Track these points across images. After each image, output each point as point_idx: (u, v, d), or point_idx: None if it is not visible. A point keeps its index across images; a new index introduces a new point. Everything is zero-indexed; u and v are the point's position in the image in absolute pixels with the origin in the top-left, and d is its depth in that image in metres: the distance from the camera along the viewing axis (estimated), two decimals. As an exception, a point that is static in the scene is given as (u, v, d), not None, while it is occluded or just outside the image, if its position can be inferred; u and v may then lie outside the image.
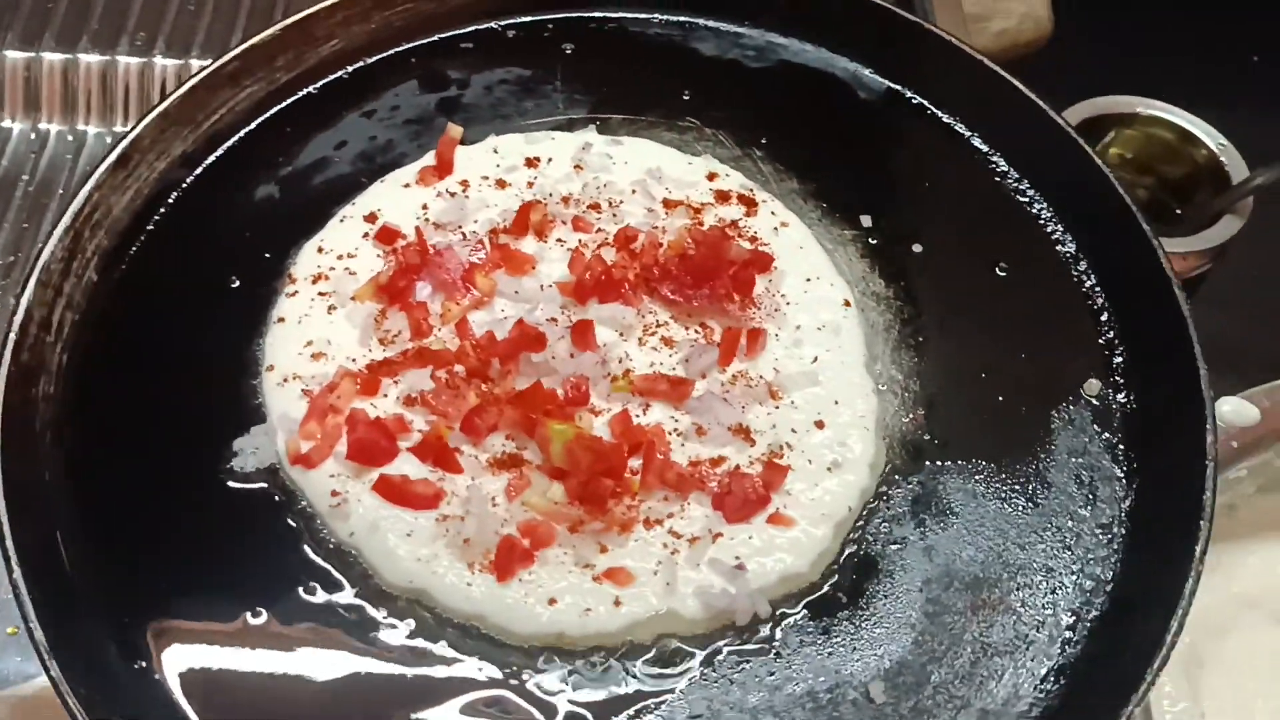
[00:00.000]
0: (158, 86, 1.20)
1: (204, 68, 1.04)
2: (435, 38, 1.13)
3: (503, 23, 1.15)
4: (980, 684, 0.82)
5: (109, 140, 1.18)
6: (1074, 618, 0.85)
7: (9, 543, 0.79)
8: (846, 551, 0.88)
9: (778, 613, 0.85)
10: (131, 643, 0.80)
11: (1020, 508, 0.90)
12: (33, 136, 1.19)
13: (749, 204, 1.04)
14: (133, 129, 0.99)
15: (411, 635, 0.82)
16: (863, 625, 0.85)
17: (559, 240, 1.00)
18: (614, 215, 1.02)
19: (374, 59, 1.12)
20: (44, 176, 1.16)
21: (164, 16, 1.23)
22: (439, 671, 0.82)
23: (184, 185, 1.02)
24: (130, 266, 0.97)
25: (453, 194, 1.02)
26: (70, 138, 1.19)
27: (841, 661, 0.83)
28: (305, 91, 1.09)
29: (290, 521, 0.86)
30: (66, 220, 0.94)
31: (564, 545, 0.85)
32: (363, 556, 0.85)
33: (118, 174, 0.98)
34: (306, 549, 0.85)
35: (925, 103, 1.12)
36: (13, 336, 0.88)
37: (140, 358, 0.93)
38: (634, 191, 1.03)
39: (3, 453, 0.82)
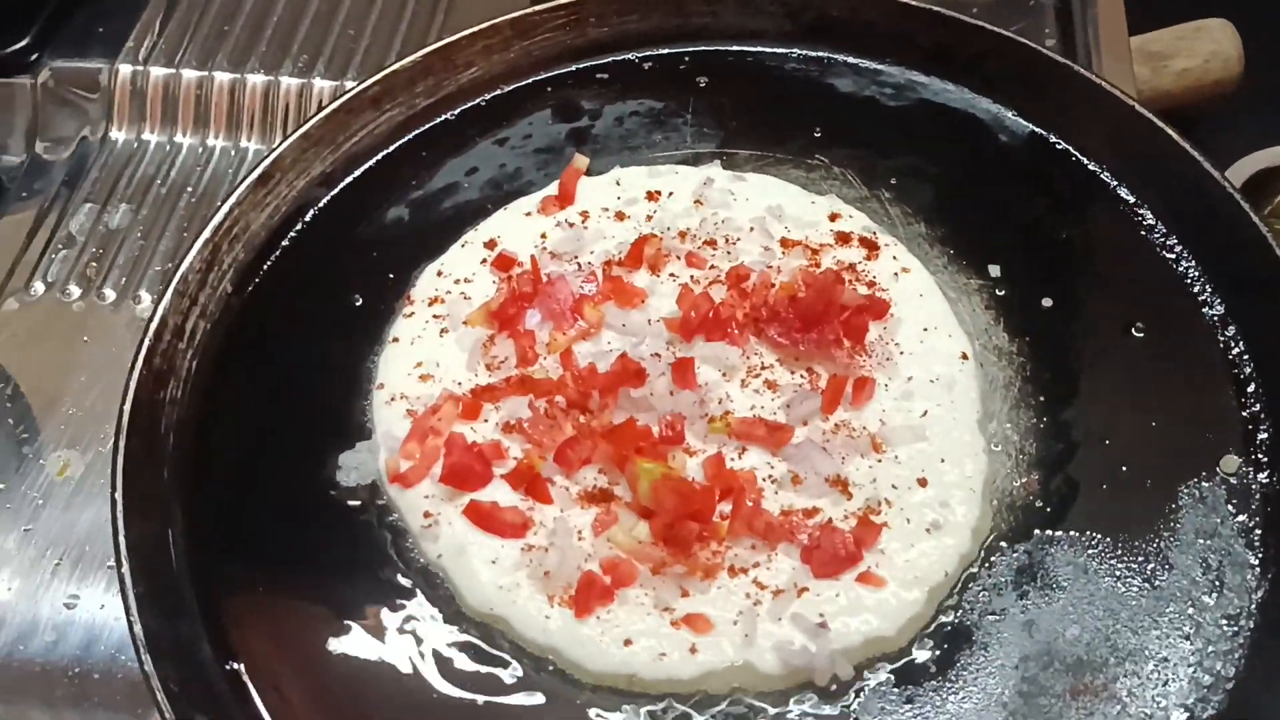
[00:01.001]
0: (315, 105, 1.25)
1: (346, 91, 1.09)
2: (572, 68, 1.15)
3: (640, 54, 1.16)
4: (1071, 776, 0.77)
5: (265, 157, 1.25)
6: (1187, 715, 0.79)
7: (120, 538, 0.83)
8: (940, 619, 0.84)
9: (860, 676, 0.81)
10: (226, 644, 0.83)
11: (1136, 588, 0.84)
12: (200, 151, 1.26)
13: (870, 247, 1.00)
14: (275, 149, 1.04)
15: (487, 662, 0.83)
16: (950, 698, 0.80)
17: (671, 275, 1.00)
18: (729, 252, 1.00)
19: (511, 87, 1.14)
20: (207, 189, 1.23)
21: (326, 40, 1.29)
22: (512, 700, 0.82)
23: (320, 204, 1.06)
24: (263, 280, 1.02)
25: (571, 224, 1.03)
26: (233, 153, 1.26)
27: (924, 734, 0.79)
28: (443, 118, 1.12)
29: (385, 536, 0.88)
30: (206, 234, 0.99)
31: (645, 586, 0.84)
32: (448, 578, 0.86)
33: (258, 191, 1.03)
34: (396, 566, 0.87)
35: (1070, 149, 1.06)
36: (147, 341, 0.93)
37: (263, 368, 0.98)
38: (752, 229, 1.02)
39: (126, 452, 0.87)
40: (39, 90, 1.30)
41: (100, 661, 0.95)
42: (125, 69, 1.29)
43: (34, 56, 1.31)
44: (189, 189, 1.24)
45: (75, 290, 1.16)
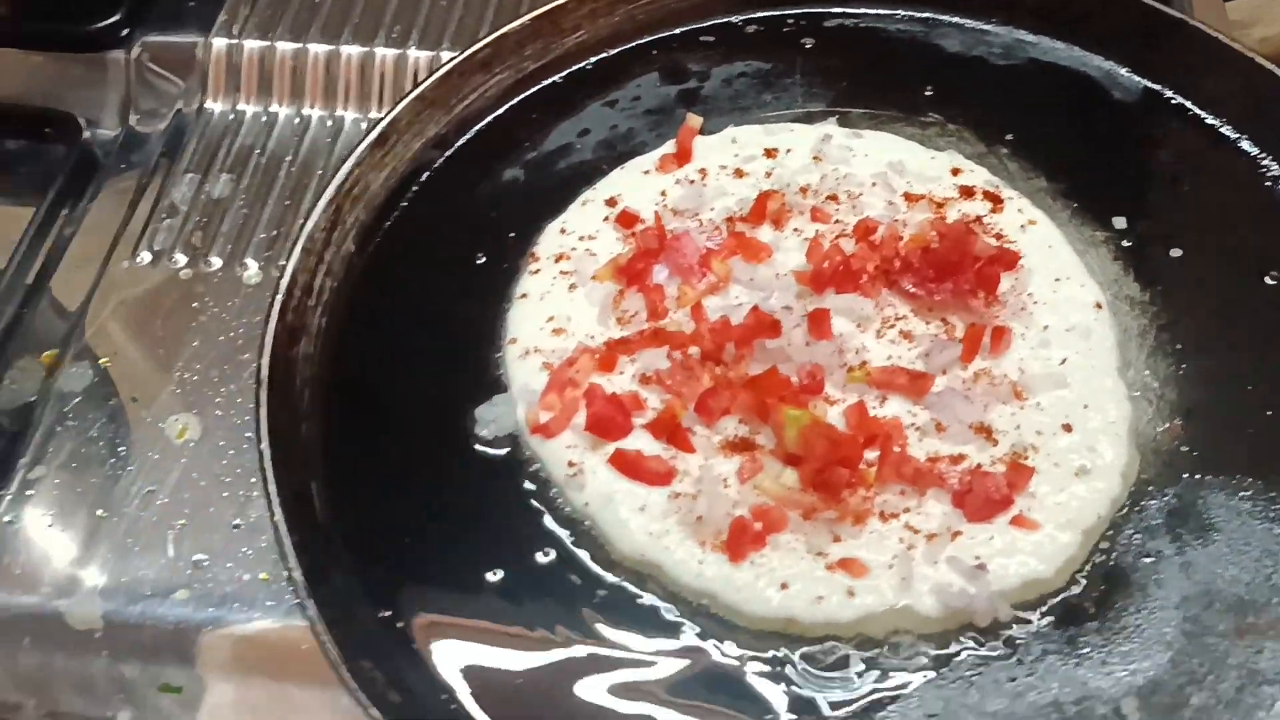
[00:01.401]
0: (410, 76, 1.25)
1: (458, 54, 1.09)
2: (676, 31, 1.15)
3: (743, 17, 1.16)
4: (1247, 713, 0.76)
5: (364, 125, 1.24)
6: (1353, 650, 0.79)
7: (271, 488, 0.83)
8: (1094, 560, 0.83)
9: (1018, 618, 0.81)
10: (377, 592, 0.83)
11: (1292, 530, 0.83)
12: (296, 121, 1.26)
13: (995, 200, 1.00)
14: (391, 111, 1.04)
15: (641, 606, 0.83)
16: (1112, 639, 0.80)
17: (795, 230, 1.00)
18: (853, 207, 1.00)
19: (616, 50, 1.14)
20: (305, 158, 1.23)
21: (418, 11, 1.29)
22: (666, 644, 0.81)
23: (435, 165, 1.06)
24: (384, 241, 1.02)
25: (691, 181, 1.03)
26: (329, 123, 1.26)
27: (1090, 674, 0.79)
28: (550, 80, 1.12)
29: (528, 487, 0.88)
30: (329, 193, 0.99)
31: (796, 531, 0.84)
32: (596, 526, 0.86)
33: (376, 153, 1.03)
34: (543, 515, 0.87)
35: (1186, 103, 1.06)
36: (279, 298, 0.93)
37: (390, 324, 0.98)
38: (874, 184, 1.01)
39: (268, 405, 0.87)
40: (132, 65, 1.30)
41: (232, 619, 0.94)
42: (219, 42, 1.29)
43: (126, 31, 1.31)
44: (288, 158, 1.24)
45: (181, 258, 1.16)
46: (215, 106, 1.28)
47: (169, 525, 0.99)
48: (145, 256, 1.16)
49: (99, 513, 1.00)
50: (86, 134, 1.27)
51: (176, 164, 1.23)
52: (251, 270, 1.15)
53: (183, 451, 1.03)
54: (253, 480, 1.01)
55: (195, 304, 1.13)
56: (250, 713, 0.90)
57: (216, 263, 1.16)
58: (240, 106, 1.27)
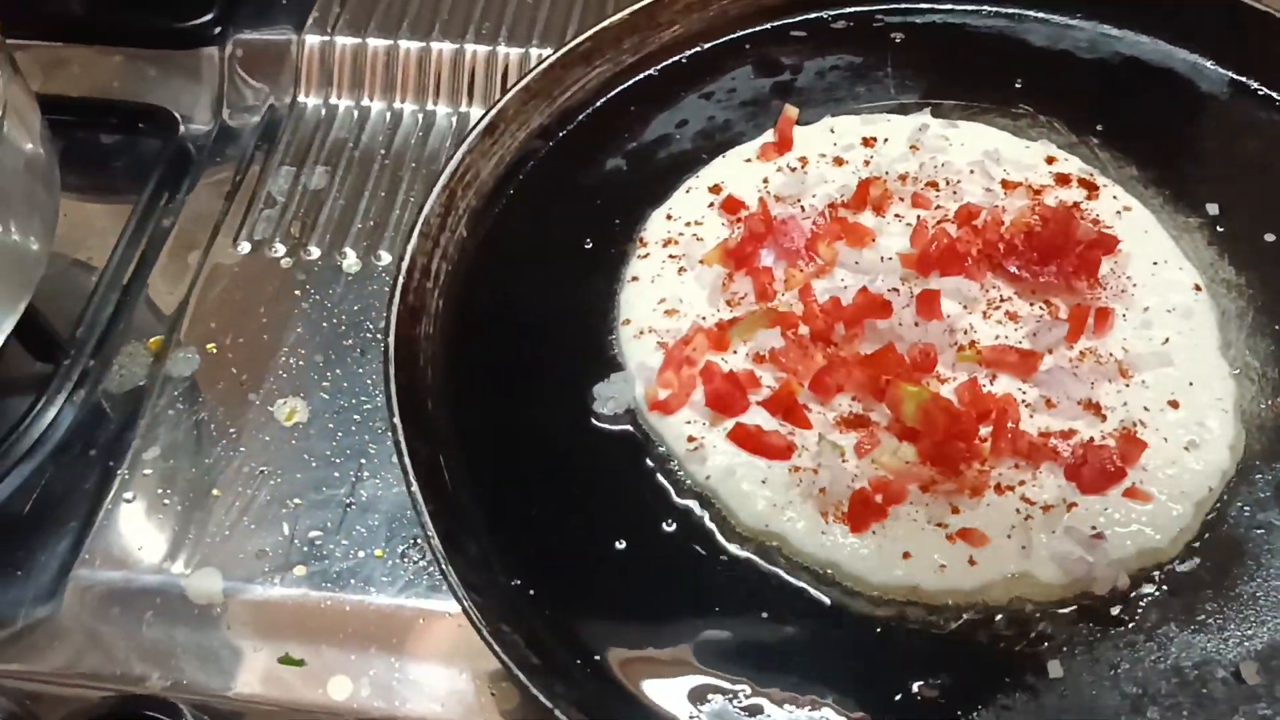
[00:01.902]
0: (500, 72, 1.28)
1: (560, 47, 1.12)
2: (767, 26, 1.18)
3: (832, 13, 1.18)
4: (1367, 673, 0.78)
5: (455, 120, 1.28)
6: None
7: (406, 461, 0.85)
8: (1206, 532, 0.85)
9: (1136, 586, 0.83)
10: (508, 561, 0.85)
11: (1400, 502, 0.85)
12: (389, 116, 1.29)
13: (1090, 188, 1.03)
14: (499, 101, 1.07)
15: (766, 575, 0.85)
16: (1228, 606, 0.82)
17: (897, 215, 1.02)
18: (953, 193, 1.03)
19: (710, 45, 1.17)
20: (397, 151, 1.26)
21: (507, 8, 1.32)
22: (789, 611, 0.83)
23: (540, 154, 1.09)
24: (494, 225, 1.04)
25: (792, 169, 1.06)
26: (421, 117, 1.29)
27: (1208, 640, 0.81)
28: (647, 74, 1.15)
29: (649, 462, 0.90)
30: (444, 179, 1.02)
31: (915, 504, 0.86)
32: (718, 498, 0.88)
33: (485, 141, 1.05)
34: (664, 488, 0.89)
35: (1274, 94, 1.08)
36: (400, 279, 0.95)
37: (504, 306, 1.00)
38: (972, 172, 1.04)
39: (396, 381, 0.89)
40: (226, 62, 1.33)
41: (349, 595, 0.96)
42: (312, 40, 1.32)
43: (219, 29, 1.34)
44: (381, 151, 1.26)
45: (281, 248, 1.19)
46: (308, 101, 1.31)
47: (283, 504, 1.02)
48: (245, 246, 1.19)
49: (214, 492, 1.03)
50: (181, 129, 1.30)
51: (271, 157, 1.26)
52: (350, 259, 1.18)
53: (292, 434, 1.06)
54: (362, 461, 1.04)
55: (297, 291, 1.16)
56: (370, 685, 0.93)
57: (315, 252, 1.18)
58: (333, 101, 1.31)
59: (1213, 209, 1.02)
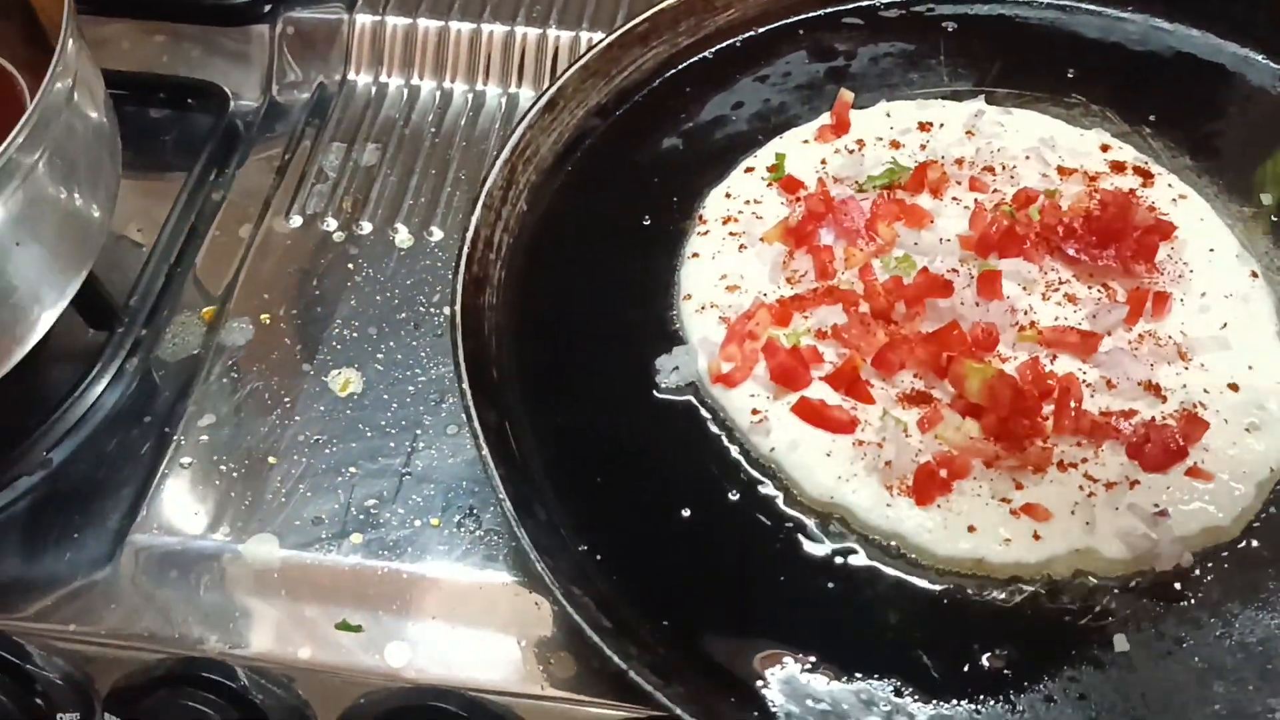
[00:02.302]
0: (550, 54, 1.29)
1: (613, 30, 1.13)
2: (822, 12, 1.19)
3: (884, 1, 1.20)
4: None
5: (504, 101, 1.28)
6: None
7: (476, 425, 0.86)
8: (1269, 510, 0.86)
9: (1199, 564, 0.84)
10: (575, 526, 0.86)
11: None
12: (439, 95, 1.30)
13: (1145, 175, 1.04)
14: (558, 79, 1.08)
15: (831, 546, 0.85)
16: (1291, 584, 0.83)
17: (954, 199, 1.03)
18: (1010, 178, 1.04)
19: (764, 29, 1.18)
20: (447, 130, 1.27)
21: (558, -9, 1.34)
22: (855, 582, 0.84)
23: (598, 132, 1.10)
24: (553, 200, 1.05)
25: (850, 151, 1.07)
26: (470, 97, 1.30)
27: (1271, 617, 0.82)
28: (702, 56, 1.16)
29: (713, 432, 0.91)
30: (505, 154, 1.03)
31: (979, 479, 0.87)
32: (782, 470, 0.89)
33: (545, 117, 1.06)
34: (729, 458, 0.90)
35: (1325, 88, 1.10)
36: (465, 249, 0.96)
37: (564, 279, 1.01)
38: (1027, 158, 1.05)
39: (463, 348, 0.90)
40: (276, 39, 1.33)
41: (406, 563, 0.97)
42: (363, 19, 1.32)
43: (268, 8, 1.35)
44: (431, 130, 1.27)
45: (333, 222, 1.19)
46: (358, 79, 1.31)
47: (339, 473, 1.02)
48: (297, 220, 1.20)
49: (270, 460, 1.03)
50: (231, 105, 1.31)
51: (322, 134, 1.27)
52: (403, 235, 1.18)
53: (347, 404, 1.06)
54: (418, 432, 1.04)
55: (349, 265, 1.16)
56: (428, 654, 0.93)
57: (367, 227, 1.19)
58: (383, 79, 1.31)
59: (1267, 199, 1.03)
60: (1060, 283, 0.97)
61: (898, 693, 0.80)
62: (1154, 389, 0.91)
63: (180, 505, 1.01)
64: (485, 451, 0.84)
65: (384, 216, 1.20)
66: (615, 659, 0.76)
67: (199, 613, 0.96)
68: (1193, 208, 1.02)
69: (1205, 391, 0.91)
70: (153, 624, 0.95)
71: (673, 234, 1.03)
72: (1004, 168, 1.05)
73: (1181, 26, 1.16)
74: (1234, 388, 0.91)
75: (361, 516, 0.99)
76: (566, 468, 0.89)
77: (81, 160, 1.01)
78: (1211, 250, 0.99)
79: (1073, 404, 0.89)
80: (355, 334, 1.11)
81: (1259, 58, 1.13)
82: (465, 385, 0.88)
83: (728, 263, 1.00)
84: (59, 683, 0.95)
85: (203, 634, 0.95)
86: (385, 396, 1.06)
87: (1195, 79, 1.13)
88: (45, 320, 1.00)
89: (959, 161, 1.05)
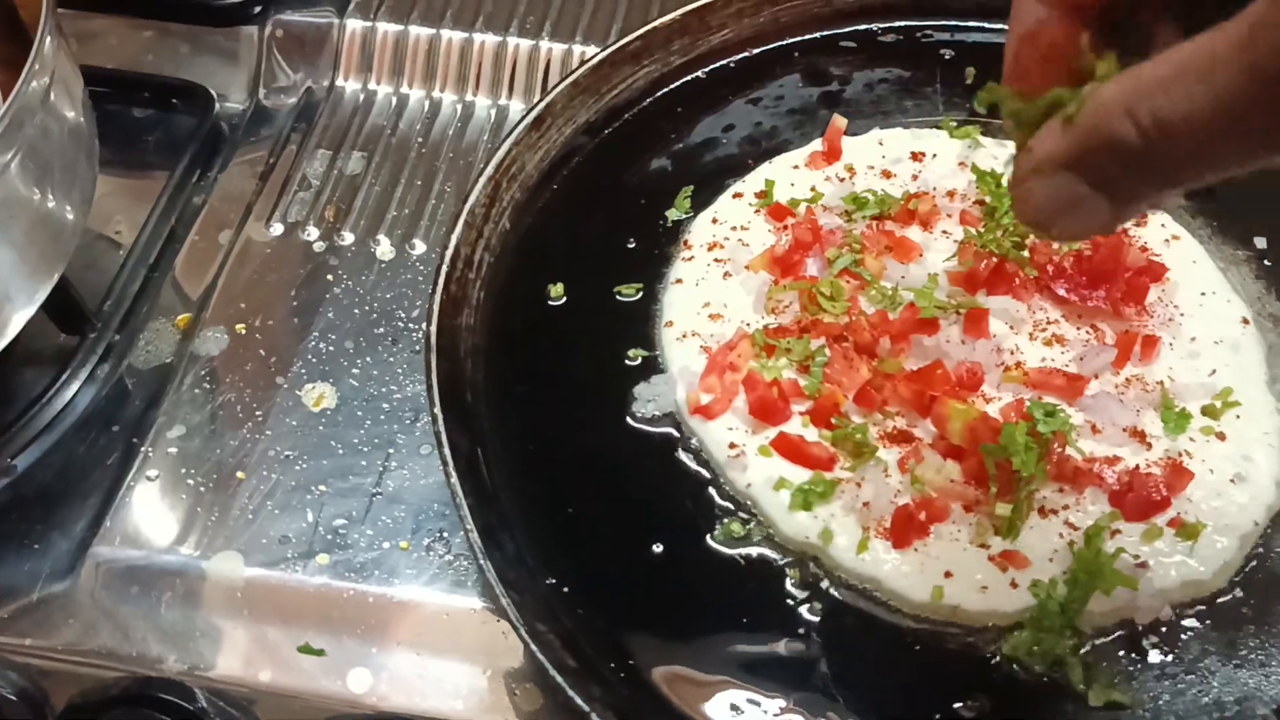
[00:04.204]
0: (542, 66, 1.28)
1: (606, 45, 1.11)
2: (817, 35, 1.17)
3: (882, 25, 1.18)
4: None
5: (494, 113, 1.26)
6: None
7: (446, 452, 0.84)
8: (1250, 565, 0.85)
9: (1178, 618, 0.82)
10: (544, 559, 0.84)
11: None
12: (427, 104, 1.28)
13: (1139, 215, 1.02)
14: (547, 95, 1.06)
15: (805, 587, 0.84)
16: (1270, 642, 0.81)
17: (944, 232, 1.02)
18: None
19: (759, 50, 1.16)
20: (434, 141, 1.25)
21: (551, 4, 1.31)
22: (828, 626, 0.82)
23: (585, 151, 1.08)
24: (537, 219, 1.04)
25: (841, 179, 1.05)
26: (460, 108, 1.28)
27: (1250, 675, 0.80)
28: (694, 76, 1.14)
29: (690, 465, 0.89)
30: (489, 171, 1.01)
31: (958, 523, 0.85)
32: (758, 507, 0.87)
33: (532, 134, 1.04)
34: (705, 493, 0.88)
35: (1324, 131, 1.08)
36: (444, 269, 0.94)
37: (545, 300, 0.99)
38: (1020, 192, 1.03)
39: (437, 371, 0.88)
40: (264, 42, 1.32)
41: (373, 586, 0.94)
42: (353, 24, 1.30)
43: (258, 9, 1.32)
44: (418, 140, 1.25)
45: (314, 231, 1.17)
46: (346, 85, 1.29)
47: (308, 490, 1.00)
48: (278, 228, 1.18)
49: (238, 474, 1.01)
50: (217, 107, 1.28)
51: (307, 140, 1.25)
52: (384, 246, 1.16)
53: (320, 419, 1.04)
54: (390, 451, 1.02)
55: (329, 276, 1.14)
56: (390, 679, 0.91)
57: (349, 238, 1.17)
58: (371, 86, 1.29)
59: (1260, 243, 1.02)
60: (1049, 323, 0.96)
61: (868, 741, 0.78)
62: (1139, 435, 0.89)
63: (145, 518, 0.99)
64: (454, 479, 0.82)
65: (366, 227, 1.18)
66: (578, 700, 0.74)
67: (159, 630, 0.94)
68: (1185, 249, 1.00)
69: (1192, 440, 0.89)
70: (111, 640, 0.93)
71: (657, 258, 1.02)
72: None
73: (1181, 63, 1.14)
74: (1221, 437, 0.89)
75: (329, 536, 0.97)
76: (538, 497, 0.88)
77: (56, 162, 0.99)
78: (1203, 294, 0.98)
79: (1057, 449, 0.87)
80: (331, 347, 1.09)
81: (1258, 98, 1.11)
82: (437, 409, 0.86)
83: (711, 290, 0.98)
84: (12, 698, 0.93)
85: (162, 653, 0.93)
86: (359, 413, 1.05)
87: (1193, 117, 1.11)
88: (14, 324, 0.98)
89: (951, 194, 1.04)
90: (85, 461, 1.03)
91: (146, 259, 1.16)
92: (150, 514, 0.99)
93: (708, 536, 0.86)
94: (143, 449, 1.02)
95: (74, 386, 1.07)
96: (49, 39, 0.94)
